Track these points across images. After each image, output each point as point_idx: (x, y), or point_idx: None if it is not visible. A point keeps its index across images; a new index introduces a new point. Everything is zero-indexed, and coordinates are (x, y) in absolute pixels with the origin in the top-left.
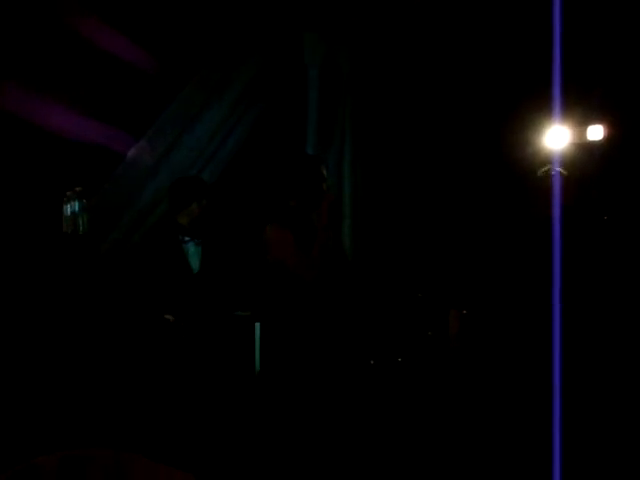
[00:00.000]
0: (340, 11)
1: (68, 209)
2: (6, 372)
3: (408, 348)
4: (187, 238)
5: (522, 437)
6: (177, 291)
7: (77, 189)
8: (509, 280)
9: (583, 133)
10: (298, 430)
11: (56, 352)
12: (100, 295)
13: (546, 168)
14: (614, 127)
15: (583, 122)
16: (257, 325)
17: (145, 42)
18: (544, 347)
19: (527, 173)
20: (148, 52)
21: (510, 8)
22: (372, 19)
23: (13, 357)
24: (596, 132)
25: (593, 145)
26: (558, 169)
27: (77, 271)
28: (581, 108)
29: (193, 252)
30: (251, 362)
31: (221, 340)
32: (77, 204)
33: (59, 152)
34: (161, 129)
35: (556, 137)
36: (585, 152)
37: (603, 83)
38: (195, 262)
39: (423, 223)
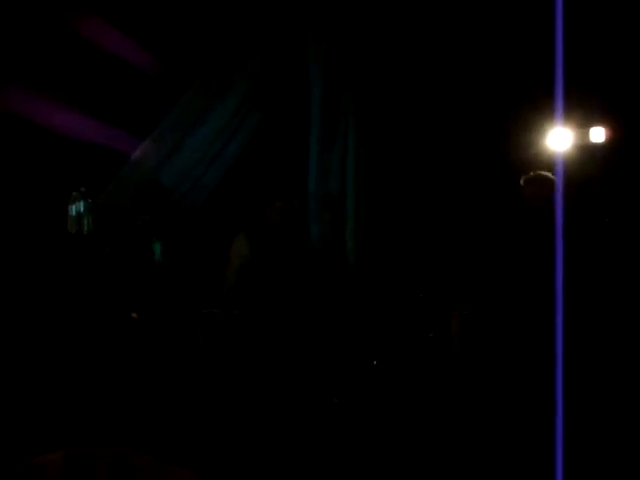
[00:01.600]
0: (342, 10)
1: (73, 209)
2: (10, 370)
3: (410, 349)
4: (153, 237)
5: (525, 438)
6: (142, 286)
7: (82, 189)
8: (511, 281)
9: (585, 135)
10: (300, 429)
11: (60, 350)
12: (103, 294)
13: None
14: (616, 129)
15: (585, 124)
16: None
17: (149, 44)
18: (547, 348)
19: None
20: (152, 54)
21: (512, 11)
22: (375, 18)
23: (17, 355)
24: (598, 134)
25: (595, 147)
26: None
27: (81, 270)
28: (583, 110)
29: (156, 249)
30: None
31: (198, 337)
32: (82, 204)
33: (64, 153)
34: (165, 130)
35: (558, 139)
36: (587, 154)
37: (605, 85)
38: (158, 259)
39: (426, 223)
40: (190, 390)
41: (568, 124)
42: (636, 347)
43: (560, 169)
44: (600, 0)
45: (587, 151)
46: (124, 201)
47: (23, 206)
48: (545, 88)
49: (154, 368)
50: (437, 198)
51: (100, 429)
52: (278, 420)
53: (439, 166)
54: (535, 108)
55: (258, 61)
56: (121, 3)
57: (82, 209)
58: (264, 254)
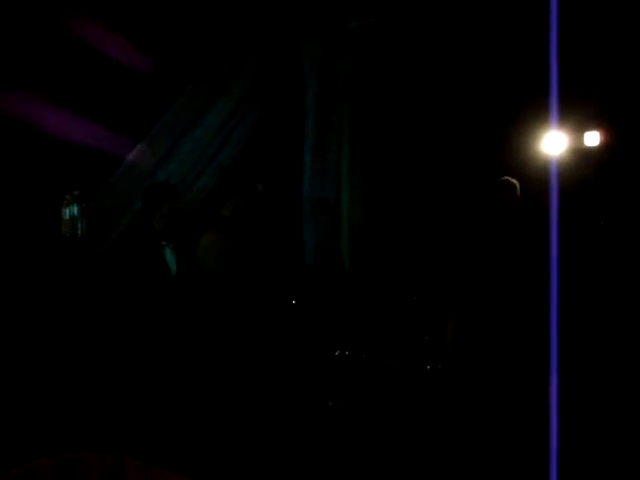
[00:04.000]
0: (337, 18)
1: (67, 212)
2: (4, 372)
3: (405, 352)
4: (164, 242)
5: (519, 443)
6: (157, 293)
7: (76, 192)
8: (506, 285)
9: (580, 139)
10: (294, 432)
11: (53, 352)
12: (97, 296)
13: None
14: (610, 133)
15: (580, 128)
16: None
17: (144, 45)
18: (541, 352)
19: (525, 179)
20: (147, 55)
21: (507, 16)
22: (369, 26)
23: (11, 357)
24: (593, 138)
25: (590, 151)
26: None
27: (75, 273)
28: (578, 114)
29: (170, 256)
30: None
31: (211, 340)
32: (76, 207)
33: (58, 155)
34: (160, 133)
35: (553, 143)
36: (582, 158)
37: (600, 90)
38: (173, 265)
39: (420, 227)
40: (185, 393)
41: (563, 128)
42: (632, 351)
43: (555, 173)
44: (595, 5)
45: (582, 155)
46: (118, 204)
47: (17, 208)
48: (540, 92)
49: (150, 371)
50: (432, 202)
51: (95, 433)
52: (273, 423)
53: (434, 170)
54: (530, 112)
55: (253, 64)
56: (116, 5)
57: (76, 212)
58: (239, 247)
